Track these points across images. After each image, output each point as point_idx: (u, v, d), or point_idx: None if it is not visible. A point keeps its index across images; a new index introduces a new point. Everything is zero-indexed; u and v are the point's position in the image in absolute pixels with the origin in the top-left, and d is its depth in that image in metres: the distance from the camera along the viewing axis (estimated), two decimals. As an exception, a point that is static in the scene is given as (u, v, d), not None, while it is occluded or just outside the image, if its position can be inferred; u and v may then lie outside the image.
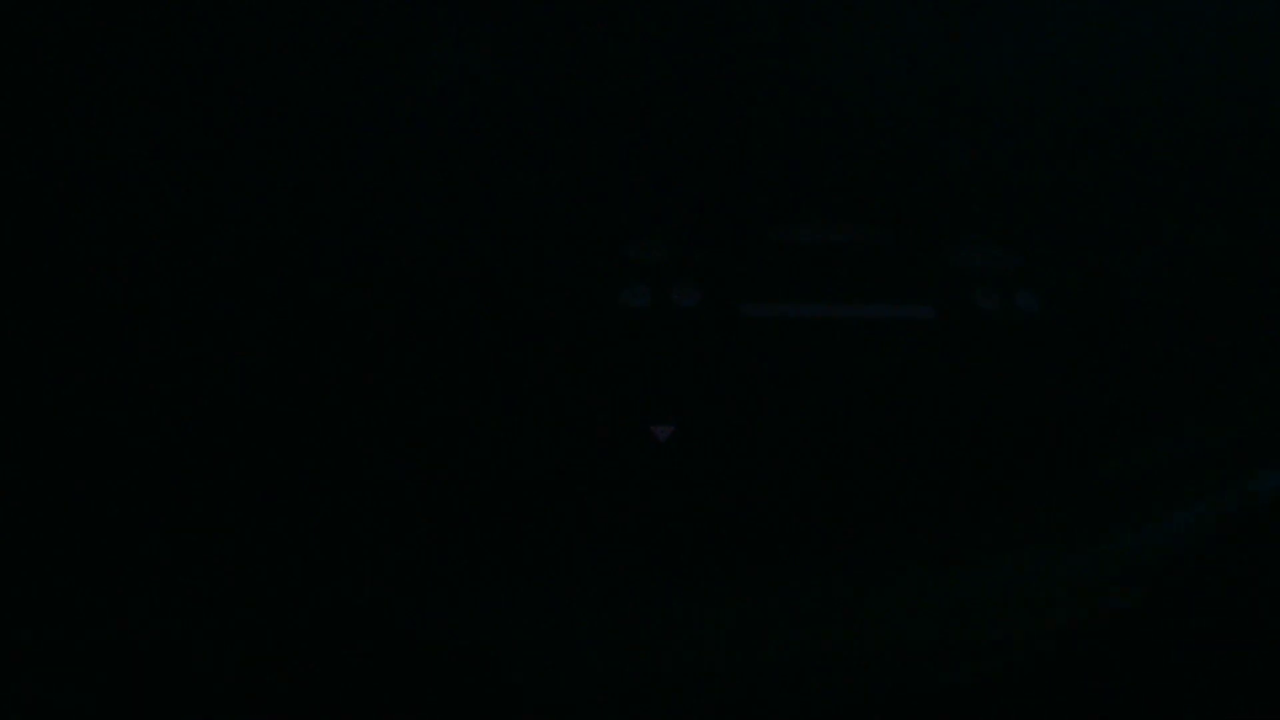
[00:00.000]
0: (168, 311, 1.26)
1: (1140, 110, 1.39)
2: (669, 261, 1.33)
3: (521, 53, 1.36)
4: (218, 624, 1.17)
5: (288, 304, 1.29)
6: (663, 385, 1.27)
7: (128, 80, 1.30)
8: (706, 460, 1.24)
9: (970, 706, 1.24)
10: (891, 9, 1.36)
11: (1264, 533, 1.29)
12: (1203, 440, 1.32)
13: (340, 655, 1.19)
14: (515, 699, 1.18)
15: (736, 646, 1.21)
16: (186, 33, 1.31)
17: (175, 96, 1.31)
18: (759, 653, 1.21)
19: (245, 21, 1.32)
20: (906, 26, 1.37)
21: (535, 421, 1.25)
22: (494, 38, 1.36)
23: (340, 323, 1.28)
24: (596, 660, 1.20)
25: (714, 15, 1.36)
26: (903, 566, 1.24)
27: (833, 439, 1.27)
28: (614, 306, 1.30)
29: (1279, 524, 1.28)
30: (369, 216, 1.32)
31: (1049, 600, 1.25)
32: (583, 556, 1.21)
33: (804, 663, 1.22)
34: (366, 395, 1.26)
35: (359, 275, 1.30)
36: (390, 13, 1.33)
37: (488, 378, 1.28)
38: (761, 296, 1.32)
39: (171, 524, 1.18)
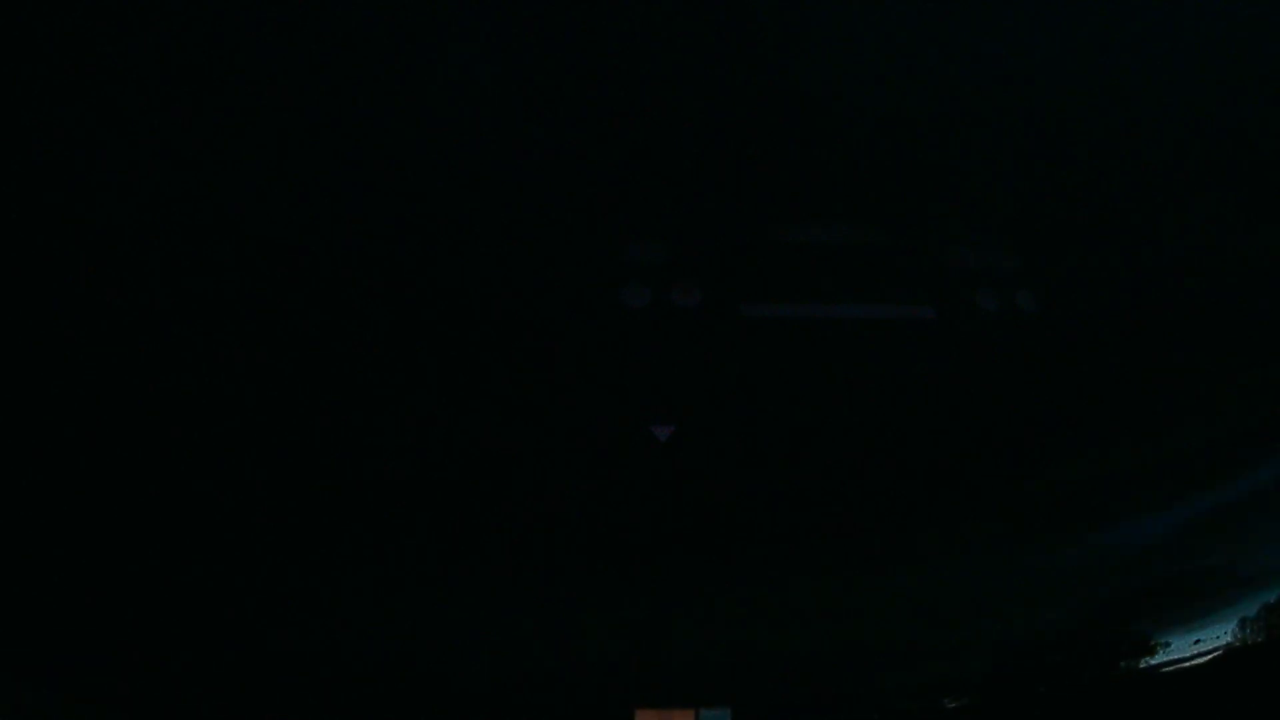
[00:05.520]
0: (168, 311, 1.27)
1: (1140, 111, 1.39)
2: (669, 261, 1.33)
3: (523, 54, 1.36)
4: (214, 624, 1.18)
5: (288, 304, 1.29)
6: (663, 385, 1.27)
7: (129, 81, 1.30)
8: (706, 460, 1.24)
9: (969, 703, 1.24)
10: (892, 10, 1.36)
11: (1261, 529, 1.29)
12: (1202, 439, 1.32)
13: (337, 654, 1.19)
14: (515, 696, 1.18)
15: (735, 643, 1.21)
16: (188, 34, 1.31)
17: (176, 98, 1.31)
18: (757, 649, 1.21)
19: (245, 23, 1.32)
20: (907, 27, 1.37)
21: (535, 421, 1.25)
22: (495, 39, 1.36)
23: (341, 323, 1.28)
24: (594, 656, 1.20)
25: (714, 17, 1.36)
26: (902, 565, 1.25)
27: (832, 439, 1.27)
28: (614, 306, 1.30)
29: (1276, 520, 1.29)
30: (370, 217, 1.32)
31: (1048, 596, 1.25)
32: (582, 556, 1.21)
33: (802, 659, 1.22)
34: (366, 394, 1.26)
35: (359, 275, 1.30)
36: (393, 14, 1.33)
37: (488, 377, 1.28)
38: (761, 296, 1.32)
39: (168, 525, 1.19)
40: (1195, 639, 1.25)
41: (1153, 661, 1.24)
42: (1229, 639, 1.25)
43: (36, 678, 1.15)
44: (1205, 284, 1.36)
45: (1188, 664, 1.24)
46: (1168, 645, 1.25)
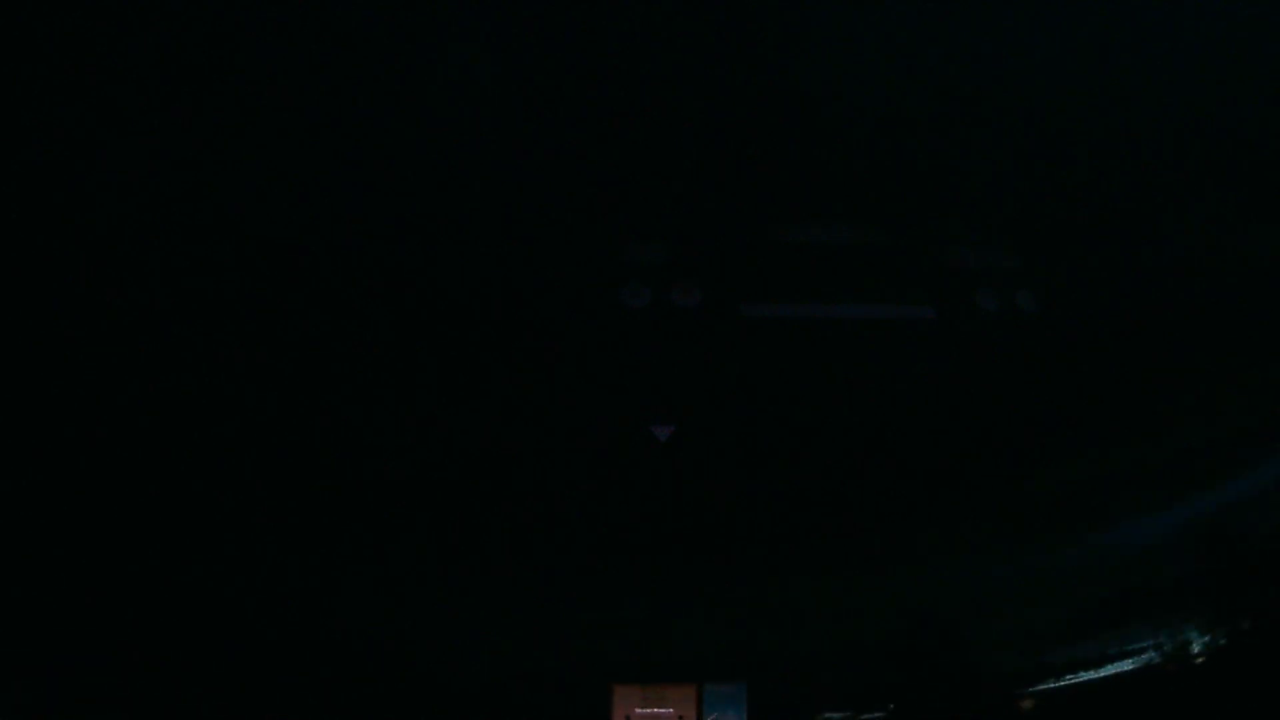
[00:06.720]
0: (168, 311, 1.27)
1: (1140, 111, 1.39)
2: (669, 261, 1.33)
3: (523, 54, 1.36)
4: (214, 623, 1.18)
5: (288, 304, 1.29)
6: (663, 385, 1.27)
7: (130, 81, 1.30)
8: (706, 460, 1.24)
9: (968, 702, 1.24)
10: (892, 10, 1.36)
11: (1262, 526, 1.29)
12: (1202, 439, 1.32)
13: (336, 654, 1.19)
14: (514, 695, 1.18)
15: (734, 641, 1.21)
16: (189, 33, 1.31)
17: (177, 98, 1.31)
18: (756, 648, 1.22)
19: (246, 22, 1.32)
20: (907, 27, 1.37)
21: (536, 421, 1.25)
22: (495, 39, 1.36)
23: (341, 322, 1.28)
24: (594, 655, 1.20)
25: (714, 17, 1.36)
26: (902, 563, 1.25)
27: (832, 439, 1.27)
28: (614, 306, 1.30)
29: (1277, 520, 1.29)
30: (370, 217, 1.32)
31: (1047, 596, 1.26)
32: (582, 555, 1.21)
33: (801, 658, 1.22)
34: (366, 394, 1.26)
35: (359, 274, 1.30)
36: (394, 14, 1.33)
37: (489, 377, 1.28)
38: (761, 296, 1.32)
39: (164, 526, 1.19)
40: (1194, 639, 1.25)
41: (1152, 661, 1.24)
42: (1228, 639, 1.25)
43: (36, 678, 1.15)
44: (1205, 284, 1.36)
45: (1186, 663, 1.24)
46: (1167, 645, 1.25)
